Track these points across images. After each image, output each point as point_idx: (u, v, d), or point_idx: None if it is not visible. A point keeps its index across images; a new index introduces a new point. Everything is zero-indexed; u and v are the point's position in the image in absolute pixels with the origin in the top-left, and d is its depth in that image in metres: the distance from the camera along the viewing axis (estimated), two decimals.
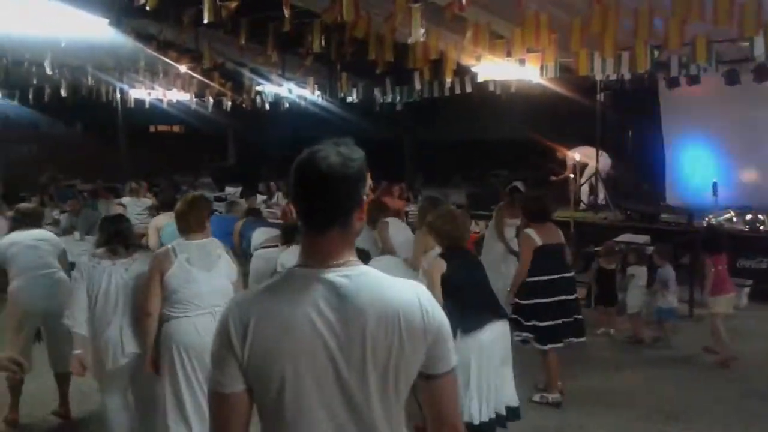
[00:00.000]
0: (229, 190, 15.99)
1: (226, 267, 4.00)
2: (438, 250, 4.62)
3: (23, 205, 5.91)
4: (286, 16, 6.83)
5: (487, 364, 4.17)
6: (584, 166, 12.34)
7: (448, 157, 16.81)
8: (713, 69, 8.84)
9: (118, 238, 4.29)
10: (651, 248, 8.18)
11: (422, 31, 6.37)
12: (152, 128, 21.49)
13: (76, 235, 8.86)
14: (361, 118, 13.54)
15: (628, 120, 12.83)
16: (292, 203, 1.70)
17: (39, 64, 10.64)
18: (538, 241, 5.35)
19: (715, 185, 10.40)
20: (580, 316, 5.49)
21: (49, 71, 10.48)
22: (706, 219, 9.96)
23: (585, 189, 12.22)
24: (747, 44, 6.81)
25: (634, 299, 7.25)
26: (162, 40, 9.78)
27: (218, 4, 6.17)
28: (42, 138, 18.85)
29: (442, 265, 4.30)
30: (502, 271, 7.04)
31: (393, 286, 1.62)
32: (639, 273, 7.34)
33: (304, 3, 7.82)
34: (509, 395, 4.38)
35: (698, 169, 12.04)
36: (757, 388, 5.75)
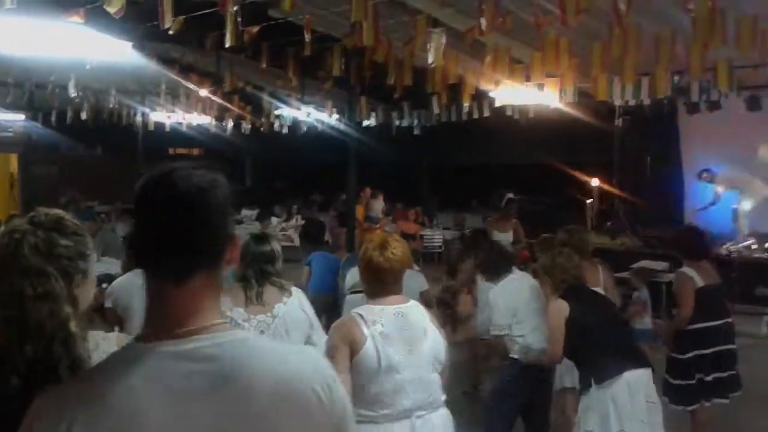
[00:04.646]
0: (245, 212, 16.03)
1: (434, 345, 2.79)
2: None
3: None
4: (307, 40, 6.90)
5: (629, 421, 3.54)
6: None
7: (466, 182, 16.81)
8: (734, 94, 8.80)
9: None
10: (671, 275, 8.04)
11: (441, 55, 6.39)
12: (171, 151, 21.68)
13: (93, 256, 8.85)
14: (378, 142, 13.58)
15: (647, 145, 12.75)
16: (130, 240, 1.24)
17: (63, 86, 10.80)
18: (699, 282, 4.70)
19: (735, 212, 10.27)
20: (734, 371, 4.78)
21: (72, 94, 10.64)
22: (725, 246, 9.84)
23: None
24: None
25: None
26: (184, 63, 9.89)
27: (240, 28, 6.23)
28: (62, 159, 19.09)
29: (564, 308, 3.81)
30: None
31: (284, 355, 1.23)
32: None
33: (324, 28, 7.89)
34: None
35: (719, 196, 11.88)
36: None
